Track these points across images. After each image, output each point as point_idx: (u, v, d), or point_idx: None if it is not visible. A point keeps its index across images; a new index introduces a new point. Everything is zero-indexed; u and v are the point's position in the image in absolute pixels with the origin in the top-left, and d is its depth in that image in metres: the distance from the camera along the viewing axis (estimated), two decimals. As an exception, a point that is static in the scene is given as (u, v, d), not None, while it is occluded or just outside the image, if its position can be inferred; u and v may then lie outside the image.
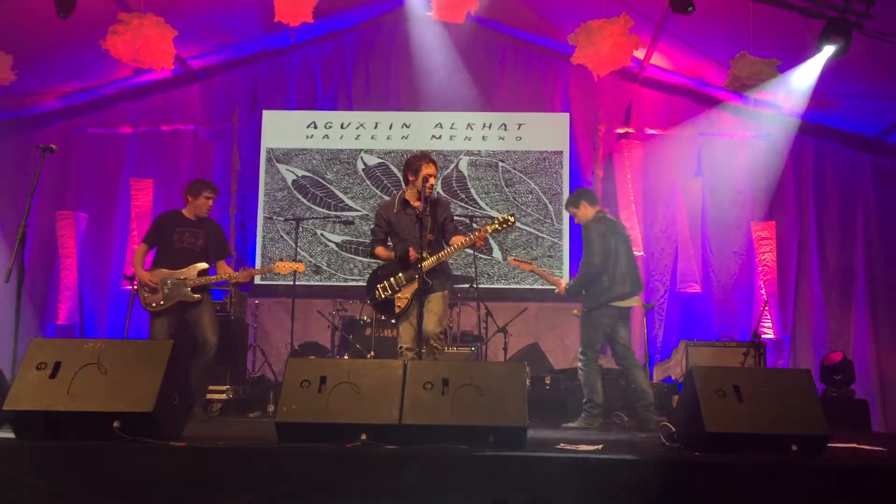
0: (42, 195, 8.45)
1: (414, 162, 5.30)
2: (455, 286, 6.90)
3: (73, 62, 7.64)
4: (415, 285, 5.09)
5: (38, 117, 8.68)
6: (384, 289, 5.29)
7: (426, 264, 5.09)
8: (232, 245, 8.58)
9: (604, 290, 5.60)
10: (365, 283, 5.50)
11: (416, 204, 5.27)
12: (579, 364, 5.74)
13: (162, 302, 5.75)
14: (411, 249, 5.09)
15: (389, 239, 5.44)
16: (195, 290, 5.79)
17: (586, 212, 5.90)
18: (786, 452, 3.45)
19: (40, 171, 4.76)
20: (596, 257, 5.60)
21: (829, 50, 6.06)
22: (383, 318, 6.89)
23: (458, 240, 5.22)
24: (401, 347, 5.25)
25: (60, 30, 6.67)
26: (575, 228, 7.68)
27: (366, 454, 3.25)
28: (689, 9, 6.13)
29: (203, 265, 5.86)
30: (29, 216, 4.67)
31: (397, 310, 5.25)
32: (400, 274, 5.24)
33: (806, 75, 6.70)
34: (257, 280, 8.67)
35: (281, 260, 6.08)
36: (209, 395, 6.47)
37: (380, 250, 5.42)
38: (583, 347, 5.69)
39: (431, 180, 5.25)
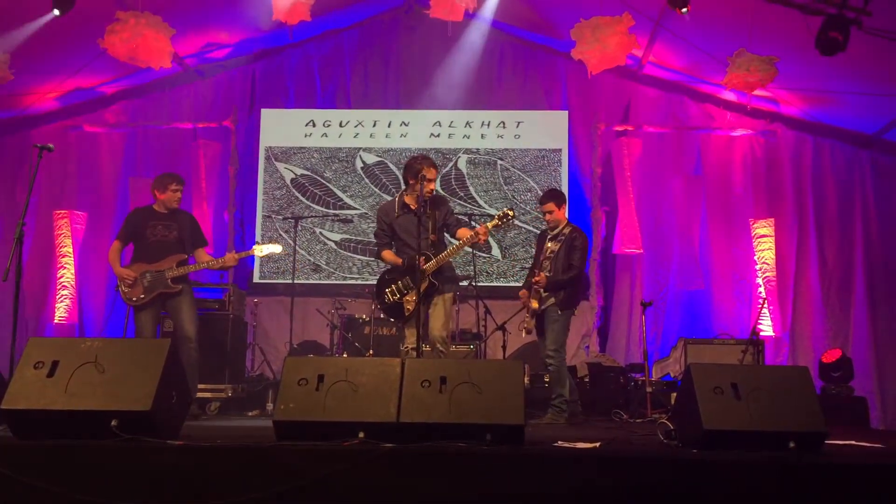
0: (40, 194, 8.46)
1: (414, 165, 5.25)
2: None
3: (70, 61, 7.63)
4: (422, 287, 5.12)
5: (35, 116, 8.67)
6: (392, 293, 5.37)
7: (430, 265, 5.17)
8: (231, 243, 8.59)
9: (574, 294, 6.01)
10: (363, 282, 5.53)
11: (416, 207, 5.26)
12: (551, 362, 5.88)
13: (143, 295, 5.79)
14: (420, 259, 5.05)
15: (393, 243, 5.48)
16: (174, 280, 5.84)
17: (561, 215, 6.09)
18: (783, 450, 3.44)
19: (38, 170, 4.75)
20: (582, 263, 5.97)
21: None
22: (392, 321, 6.88)
23: (464, 233, 5.28)
24: (406, 348, 5.29)
25: (58, 28, 6.66)
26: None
27: (363, 452, 3.25)
28: (684, 10, 6.17)
29: (181, 256, 5.92)
30: (27, 215, 4.66)
31: (406, 313, 5.32)
32: (407, 277, 5.30)
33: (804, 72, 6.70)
34: (256, 279, 8.67)
35: (257, 244, 6.16)
36: (208, 395, 6.48)
37: (387, 254, 5.51)
38: (556, 346, 5.89)
39: (431, 185, 5.26)
